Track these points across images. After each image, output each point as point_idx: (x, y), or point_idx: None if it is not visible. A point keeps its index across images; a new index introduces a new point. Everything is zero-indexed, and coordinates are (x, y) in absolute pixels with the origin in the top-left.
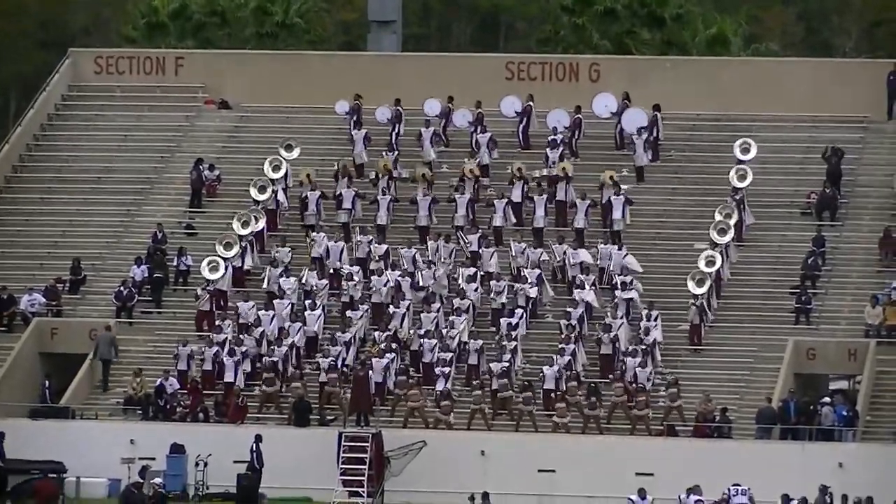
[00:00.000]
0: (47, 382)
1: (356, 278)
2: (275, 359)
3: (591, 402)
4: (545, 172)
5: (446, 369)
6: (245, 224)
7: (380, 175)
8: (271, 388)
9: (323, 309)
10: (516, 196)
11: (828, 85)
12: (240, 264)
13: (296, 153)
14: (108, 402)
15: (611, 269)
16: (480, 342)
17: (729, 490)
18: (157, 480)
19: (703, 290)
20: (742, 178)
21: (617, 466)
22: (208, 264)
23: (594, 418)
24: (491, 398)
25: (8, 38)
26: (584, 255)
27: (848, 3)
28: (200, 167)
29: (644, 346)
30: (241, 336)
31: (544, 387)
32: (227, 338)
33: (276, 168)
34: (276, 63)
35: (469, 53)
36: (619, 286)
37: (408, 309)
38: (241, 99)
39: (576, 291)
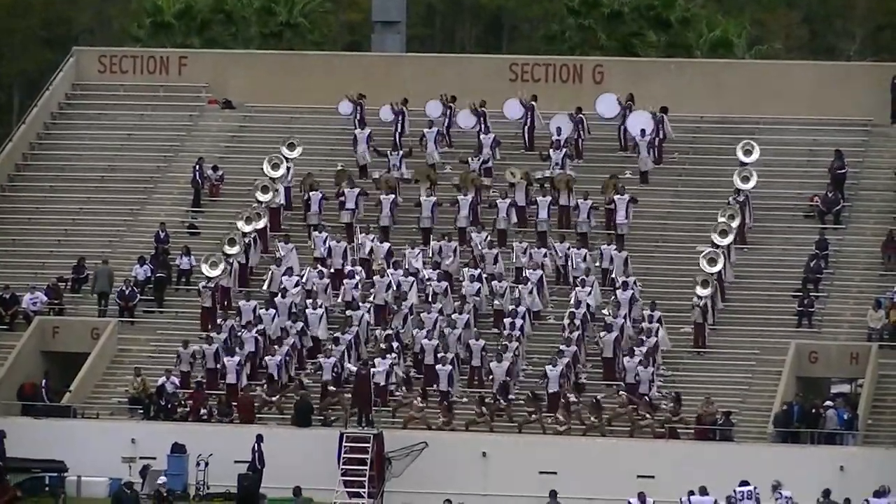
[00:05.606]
0: (45, 380)
1: (358, 277)
2: (276, 358)
3: (593, 422)
4: (548, 174)
5: (447, 368)
6: (248, 221)
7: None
8: (272, 390)
9: (325, 309)
10: (520, 199)
11: (831, 88)
12: (244, 261)
13: (297, 152)
14: (110, 402)
15: (611, 270)
16: (483, 343)
17: (735, 493)
18: (162, 480)
19: (708, 291)
20: (746, 179)
21: (618, 469)
22: (206, 260)
23: (597, 427)
24: (493, 400)
25: (12, 35)
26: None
27: (852, 7)
28: (195, 168)
29: (645, 348)
30: (241, 335)
31: (548, 389)
32: (227, 337)
33: (275, 166)
34: (279, 63)
35: (473, 54)
36: (619, 286)
37: (410, 309)
38: (244, 99)
39: (577, 291)
